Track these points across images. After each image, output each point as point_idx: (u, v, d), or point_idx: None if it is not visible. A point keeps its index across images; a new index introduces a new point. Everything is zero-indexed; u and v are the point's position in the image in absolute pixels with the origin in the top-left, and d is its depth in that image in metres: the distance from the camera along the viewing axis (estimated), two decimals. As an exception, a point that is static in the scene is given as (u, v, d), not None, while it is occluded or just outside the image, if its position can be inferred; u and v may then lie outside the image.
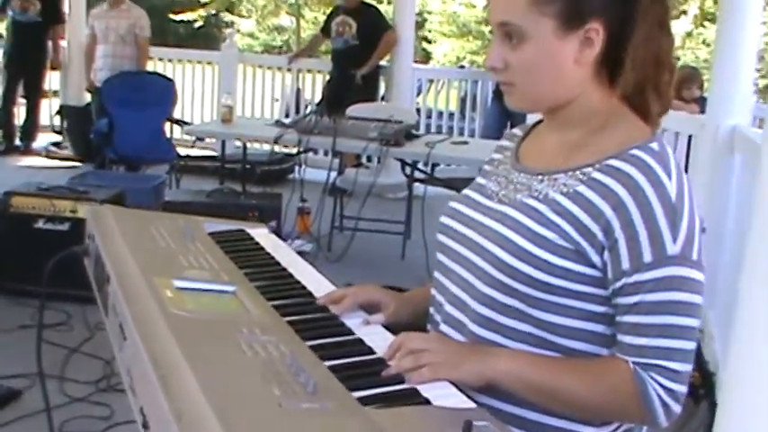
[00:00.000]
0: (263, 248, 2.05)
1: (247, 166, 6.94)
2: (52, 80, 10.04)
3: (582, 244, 1.42)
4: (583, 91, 1.51)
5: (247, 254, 1.99)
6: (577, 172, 1.46)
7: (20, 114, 9.49)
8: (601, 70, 1.51)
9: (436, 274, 1.65)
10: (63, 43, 9.56)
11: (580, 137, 1.52)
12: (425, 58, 28.14)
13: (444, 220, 1.65)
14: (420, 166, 6.13)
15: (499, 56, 1.50)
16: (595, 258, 1.42)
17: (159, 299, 1.51)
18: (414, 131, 5.93)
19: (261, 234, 2.17)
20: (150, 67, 9.55)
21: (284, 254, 2.03)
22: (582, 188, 1.43)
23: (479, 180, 1.68)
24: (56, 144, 9.48)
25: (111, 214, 2.00)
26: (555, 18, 1.44)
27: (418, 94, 9.74)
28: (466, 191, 1.67)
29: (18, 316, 4.32)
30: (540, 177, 1.52)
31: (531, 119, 1.71)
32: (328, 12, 9.78)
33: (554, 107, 1.54)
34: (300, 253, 5.58)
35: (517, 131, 1.72)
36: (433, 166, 6.19)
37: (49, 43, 9.28)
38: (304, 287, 1.81)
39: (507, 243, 1.46)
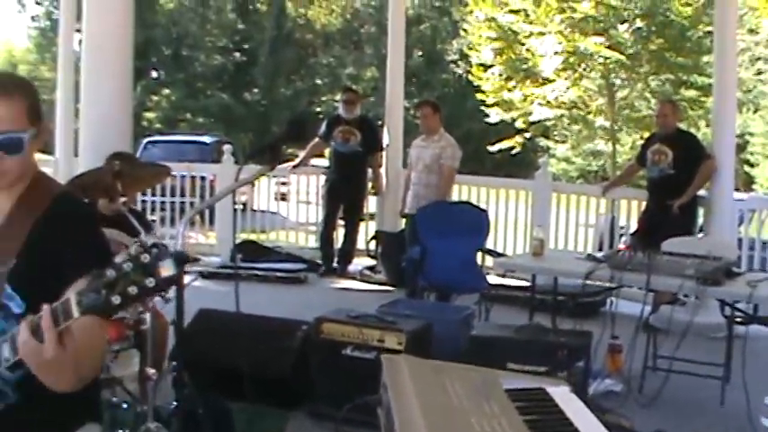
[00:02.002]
0: (562, 412, 1.91)
1: (559, 298, 6.79)
2: (369, 204, 10.46)
3: None
4: None
5: (545, 418, 1.86)
6: None
7: (338, 238, 9.92)
8: None
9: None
10: (381, 170, 9.96)
11: None
12: (747, 181, 26.97)
13: None
14: (741, 305, 5.72)
15: None
16: None
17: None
18: (734, 269, 5.57)
19: (562, 394, 2.04)
20: (464, 194, 9.74)
21: (585, 420, 1.89)
22: None
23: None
24: (370, 268, 9.82)
25: (406, 366, 1.97)
26: None
27: (740, 224, 9.23)
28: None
29: (321, 439, 4.40)
30: None
31: None
32: (645, 137, 9.57)
33: None
34: (609, 393, 5.43)
35: None
36: (756, 305, 5.76)
37: (369, 171, 9.73)
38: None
39: None
